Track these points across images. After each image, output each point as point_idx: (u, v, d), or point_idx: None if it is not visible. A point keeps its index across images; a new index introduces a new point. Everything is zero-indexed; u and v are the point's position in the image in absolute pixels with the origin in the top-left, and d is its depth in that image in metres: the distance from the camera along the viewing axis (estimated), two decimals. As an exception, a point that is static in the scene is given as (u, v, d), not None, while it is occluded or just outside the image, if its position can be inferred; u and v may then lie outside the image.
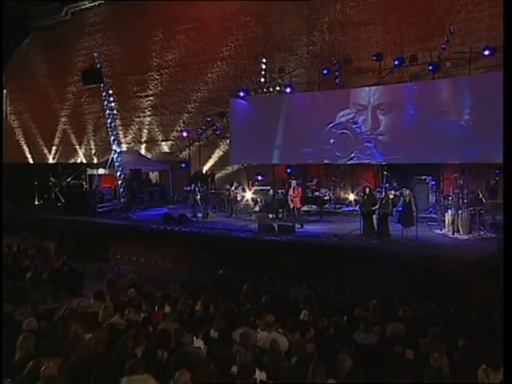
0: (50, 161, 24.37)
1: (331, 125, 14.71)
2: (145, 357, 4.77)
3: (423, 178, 13.23)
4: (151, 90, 21.47)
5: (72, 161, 23.39)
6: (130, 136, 22.03)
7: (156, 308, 7.00)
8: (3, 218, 16.18)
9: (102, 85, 16.83)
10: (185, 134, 18.50)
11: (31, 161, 25.24)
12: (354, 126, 14.37)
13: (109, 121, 17.33)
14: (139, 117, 21.82)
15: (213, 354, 5.28)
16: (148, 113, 21.61)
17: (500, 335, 5.66)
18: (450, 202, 11.12)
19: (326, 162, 15.16)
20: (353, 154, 14.47)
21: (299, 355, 5.17)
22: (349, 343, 5.69)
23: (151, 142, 21.45)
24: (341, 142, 14.50)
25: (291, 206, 12.67)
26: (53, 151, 24.58)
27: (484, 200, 10.95)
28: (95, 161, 22.12)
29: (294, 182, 13.00)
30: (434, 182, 13.24)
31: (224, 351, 5.29)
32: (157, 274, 11.78)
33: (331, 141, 14.66)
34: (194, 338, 5.55)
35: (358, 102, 14.33)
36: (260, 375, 4.69)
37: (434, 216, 12.01)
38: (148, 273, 11.72)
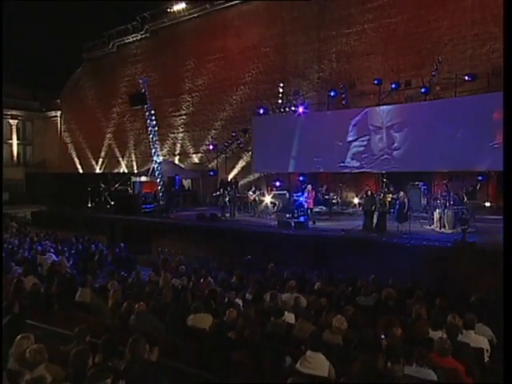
0: (97, 171, 25.91)
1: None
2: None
3: (416, 183, 14.14)
4: (184, 110, 22.91)
5: (115, 171, 24.86)
6: (166, 149, 23.41)
7: (202, 279, 8.16)
8: (64, 217, 17.73)
9: (146, 106, 18.19)
10: (211, 147, 19.82)
11: (81, 171, 26.83)
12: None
13: (151, 136, 18.64)
14: (173, 133, 23.25)
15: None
16: (181, 129, 23.03)
17: (469, 297, 6.72)
18: (438, 203, 11.94)
19: (333, 170, 16.28)
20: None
21: (315, 309, 6.28)
22: (352, 304, 6.75)
23: (183, 155, 22.83)
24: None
25: (305, 206, 13.74)
26: (99, 162, 26.16)
27: (468, 201, 11.86)
28: (136, 170, 23.57)
29: (309, 186, 14.05)
30: (425, 187, 14.14)
31: (258, 306, 6.41)
32: (193, 261, 12.88)
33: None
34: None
35: (374, 122, 15.21)
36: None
37: (425, 215, 12.73)
38: (186, 261, 12.83)
